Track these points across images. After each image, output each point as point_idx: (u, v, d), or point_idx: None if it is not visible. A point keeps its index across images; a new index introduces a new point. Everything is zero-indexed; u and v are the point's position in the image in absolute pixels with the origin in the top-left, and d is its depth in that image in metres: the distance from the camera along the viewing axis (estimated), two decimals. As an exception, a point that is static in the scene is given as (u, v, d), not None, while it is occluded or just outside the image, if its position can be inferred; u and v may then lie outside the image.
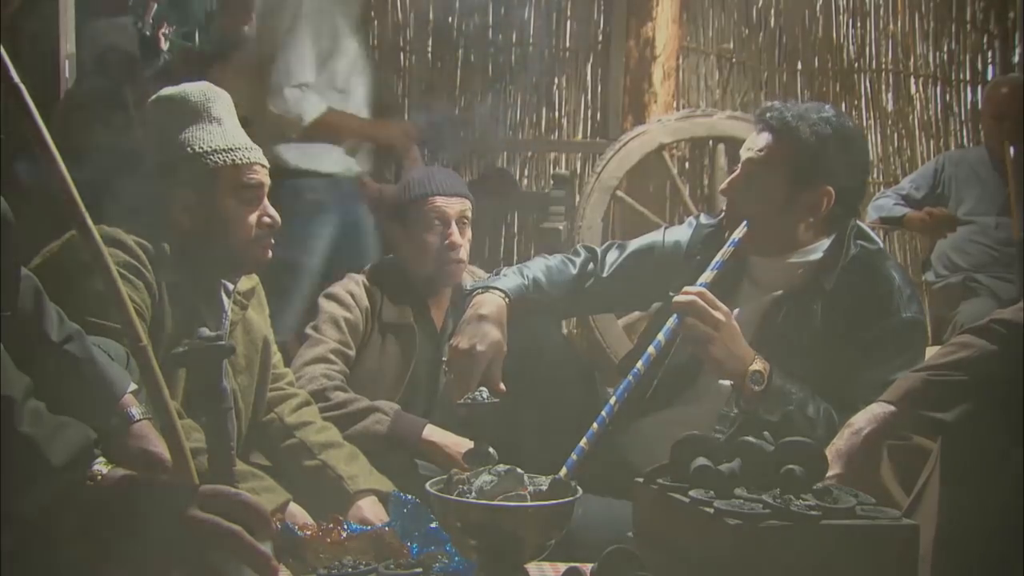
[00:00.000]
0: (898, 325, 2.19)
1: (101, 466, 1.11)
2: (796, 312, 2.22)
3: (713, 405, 2.27)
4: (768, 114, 2.24)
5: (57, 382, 1.40)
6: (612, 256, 2.45)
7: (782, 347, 2.17)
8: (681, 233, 2.45)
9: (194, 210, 2.09)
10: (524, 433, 2.27)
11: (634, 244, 2.48)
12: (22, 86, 1.19)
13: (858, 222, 2.35)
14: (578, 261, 2.43)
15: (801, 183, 2.20)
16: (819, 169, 2.19)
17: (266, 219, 2.14)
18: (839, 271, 2.21)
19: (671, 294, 2.34)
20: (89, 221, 1.22)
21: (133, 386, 1.54)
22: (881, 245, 2.35)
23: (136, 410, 1.53)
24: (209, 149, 2.08)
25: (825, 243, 2.27)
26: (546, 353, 2.34)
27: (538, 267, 2.39)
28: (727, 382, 2.23)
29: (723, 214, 2.38)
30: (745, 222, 2.20)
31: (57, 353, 1.43)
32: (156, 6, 5.52)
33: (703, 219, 2.48)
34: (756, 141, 2.24)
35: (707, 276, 2.14)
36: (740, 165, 2.26)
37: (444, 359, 2.68)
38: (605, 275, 2.43)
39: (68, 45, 4.66)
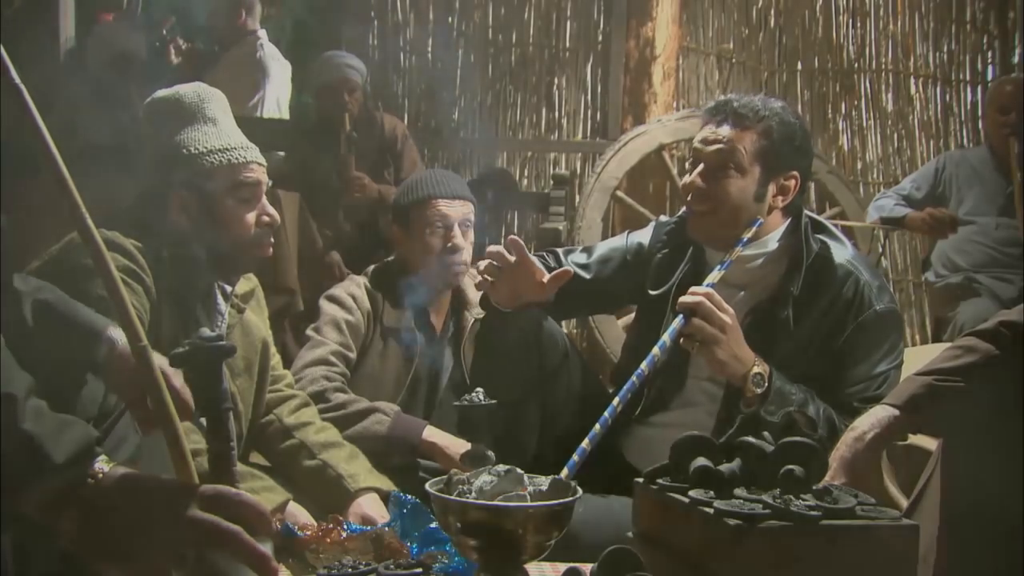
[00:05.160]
0: (873, 319, 2.20)
1: (103, 464, 1.11)
2: (767, 321, 2.22)
3: (704, 409, 2.27)
4: (734, 104, 2.25)
5: (38, 328, 1.41)
6: (579, 259, 2.46)
7: (759, 354, 2.16)
8: (643, 235, 2.48)
9: (192, 211, 2.09)
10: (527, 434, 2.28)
11: (600, 248, 2.50)
12: (22, 86, 1.19)
13: (810, 214, 2.36)
14: (548, 260, 2.44)
15: (773, 169, 2.23)
16: (788, 155, 2.24)
17: (265, 217, 2.14)
18: (804, 273, 2.21)
19: (651, 292, 2.35)
20: (90, 223, 1.22)
21: (111, 324, 1.55)
22: (839, 234, 2.34)
23: (120, 335, 1.53)
24: (205, 150, 2.08)
25: (776, 234, 2.28)
26: (551, 354, 2.34)
27: None
28: (717, 388, 2.24)
29: (685, 211, 2.37)
30: (758, 221, 2.21)
31: (31, 302, 1.44)
32: (173, 20, 5.56)
33: (663, 219, 2.52)
34: (719, 132, 2.23)
35: (713, 276, 2.15)
36: (705, 156, 2.24)
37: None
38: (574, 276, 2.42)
39: (68, 45, 4.66)
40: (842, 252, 2.27)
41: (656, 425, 2.33)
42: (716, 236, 2.26)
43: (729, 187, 2.21)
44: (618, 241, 2.51)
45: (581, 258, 2.46)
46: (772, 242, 2.28)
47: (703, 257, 2.34)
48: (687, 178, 2.28)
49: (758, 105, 2.24)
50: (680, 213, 2.44)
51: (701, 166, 2.24)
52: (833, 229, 2.34)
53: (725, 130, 2.23)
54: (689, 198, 2.27)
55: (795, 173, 2.26)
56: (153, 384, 1.22)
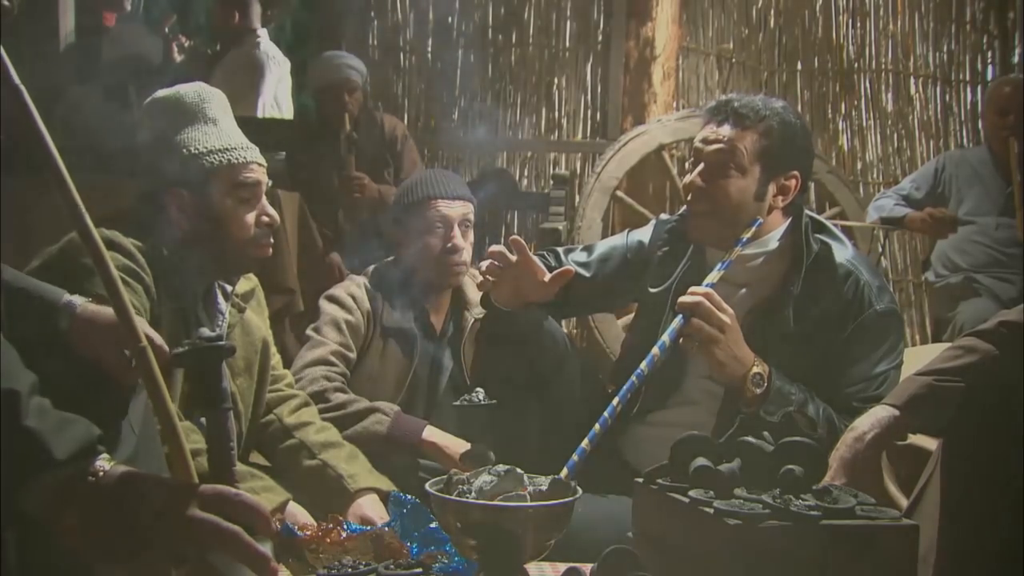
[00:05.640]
0: (873, 319, 2.20)
1: (104, 462, 1.11)
2: (767, 320, 2.21)
3: (704, 407, 2.27)
4: (735, 104, 2.24)
5: None
6: (580, 257, 2.46)
7: (758, 354, 2.15)
8: (643, 233, 2.48)
9: (192, 211, 2.09)
10: (527, 434, 2.27)
11: (600, 246, 2.50)
12: (23, 88, 1.19)
13: (811, 213, 2.35)
14: (548, 260, 2.44)
15: (774, 169, 2.23)
16: (789, 155, 2.24)
17: (264, 218, 2.14)
18: (804, 272, 2.21)
19: (651, 289, 2.35)
20: (90, 223, 1.22)
21: (66, 293, 1.55)
22: (839, 234, 2.33)
23: (77, 299, 1.54)
24: (205, 150, 2.08)
25: (776, 233, 2.28)
26: (550, 353, 2.34)
27: None
28: (717, 386, 2.23)
29: (685, 209, 2.36)
30: (757, 221, 2.21)
31: None
32: (174, 17, 5.58)
33: (664, 217, 2.52)
34: (720, 132, 2.23)
35: (713, 276, 2.15)
36: (705, 156, 2.23)
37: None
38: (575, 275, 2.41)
39: (68, 44, 4.67)
40: (842, 252, 2.26)
41: (655, 424, 2.32)
42: (716, 236, 2.25)
43: (729, 187, 2.21)
44: (618, 239, 2.50)
45: (581, 257, 2.46)
46: (772, 241, 2.27)
47: (703, 256, 2.34)
48: (688, 177, 2.27)
49: (759, 105, 2.24)
50: (681, 211, 2.44)
51: (701, 166, 2.24)
52: (834, 229, 2.34)
53: (726, 130, 2.22)
54: (689, 198, 2.27)
55: (796, 173, 2.25)
56: (154, 385, 1.22)
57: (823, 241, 2.26)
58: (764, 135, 2.21)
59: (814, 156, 2.39)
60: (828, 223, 2.37)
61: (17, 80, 1.18)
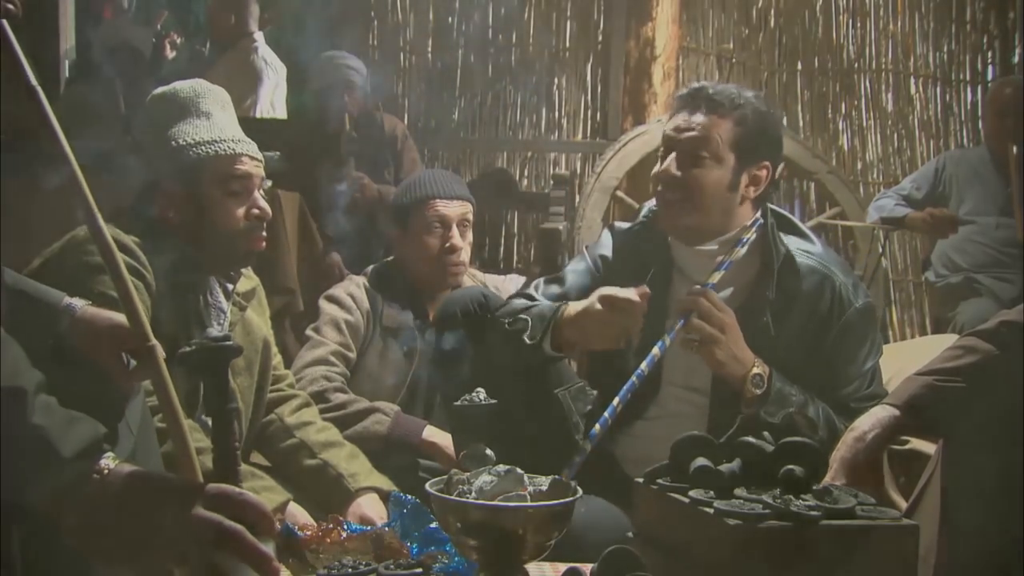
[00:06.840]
0: (855, 318, 2.19)
1: (109, 461, 1.12)
2: (747, 326, 2.15)
3: (690, 420, 2.19)
4: (709, 91, 2.21)
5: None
6: (553, 290, 2.31)
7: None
8: (603, 247, 2.37)
9: (181, 203, 2.10)
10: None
11: (570, 275, 2.34)
12: (39, 88, 1.19)
13: (778, 209, 2.33)
14: (520, 301, 2.29)
15: (747, 158, 2.20)
16: (762, 145, 2.22)
17: (255, 211, 2.14)
18: (777, 276, 2.18)
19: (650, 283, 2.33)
20: (102, 223, 1.22)
21: (66, 296, 1.55)
22: (806, 231, 2.30)
23: (77, 301, 1.54)
24: (193, 141, 2.09)
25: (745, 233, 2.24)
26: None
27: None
28: (701, 397, 2.22)
29: (646, 210, 2.33)
30: (759, 222, 2.20)
31: None
32: (166, 14, 5.56)
33: (618, 225, 2.44)
34: (693, 120, 2.19)
35: (714, 277, 2.14)
36: (679, 144, 2.19)
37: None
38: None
39: (68, 45, 4.67)
40: (813, 253, 2.23)
41: (637, 436, 2.26)
42: (687, 225, 2.21)
43: (704, 176, 2.17)
44: (580, 263, 2.38)
45: (555, 289, 2.32)
46: (742, 244, 2.23)
47: (669, 258, 2.29)
48: (659, 166, 2.22)
49: (733, 93, 2.22)
50: (641, 216, 2.37)
51: (674, 154, 2.20)
52: (801, 226, 2.31)
53: (700, 118, 2.19)
54: (660, 187, 2.22)
55: (767, 163, 2.23)
56: (161, 383, 1.22)
57: (792, 242, 2.24)
58: (739, 123, 2.19)
59: (783, 148, 2.34)
60: (795, 219, 2.34)
61: (34, 80, 1.18)
